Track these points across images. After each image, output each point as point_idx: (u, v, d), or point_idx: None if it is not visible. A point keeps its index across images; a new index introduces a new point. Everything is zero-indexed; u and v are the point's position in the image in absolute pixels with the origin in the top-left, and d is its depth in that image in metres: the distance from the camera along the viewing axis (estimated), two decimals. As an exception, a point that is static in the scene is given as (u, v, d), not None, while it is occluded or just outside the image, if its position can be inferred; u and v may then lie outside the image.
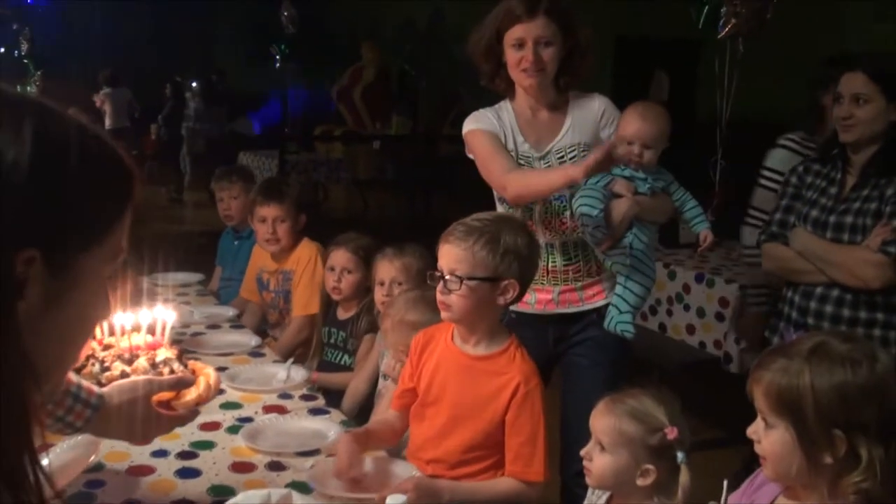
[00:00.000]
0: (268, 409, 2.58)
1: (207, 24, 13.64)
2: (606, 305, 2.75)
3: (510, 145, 2.82)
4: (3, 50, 13.91)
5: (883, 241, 2.61)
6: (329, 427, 2.42)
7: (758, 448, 1.59)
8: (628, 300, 2.69)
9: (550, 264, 2.73)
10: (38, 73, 12.69)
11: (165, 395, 1.80)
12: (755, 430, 1.59)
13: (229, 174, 4.27)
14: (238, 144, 11.29)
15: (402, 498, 1.56)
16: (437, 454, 2.20)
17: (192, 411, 1.86)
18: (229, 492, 1.98)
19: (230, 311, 3.64)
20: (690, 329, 4.59)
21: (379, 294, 2.97)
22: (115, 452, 2.19)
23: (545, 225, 2.76)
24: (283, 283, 3.73)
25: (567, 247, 2.78)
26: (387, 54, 12.61)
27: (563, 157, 2.79)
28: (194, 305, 3.69)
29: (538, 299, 2.77)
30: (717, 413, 4.66)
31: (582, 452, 1.90)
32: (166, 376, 1.82)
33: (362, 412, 2.87)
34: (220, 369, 2.45)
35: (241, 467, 2.17)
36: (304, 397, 2.71)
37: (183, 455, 2.22)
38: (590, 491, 1.99)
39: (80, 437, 2.07)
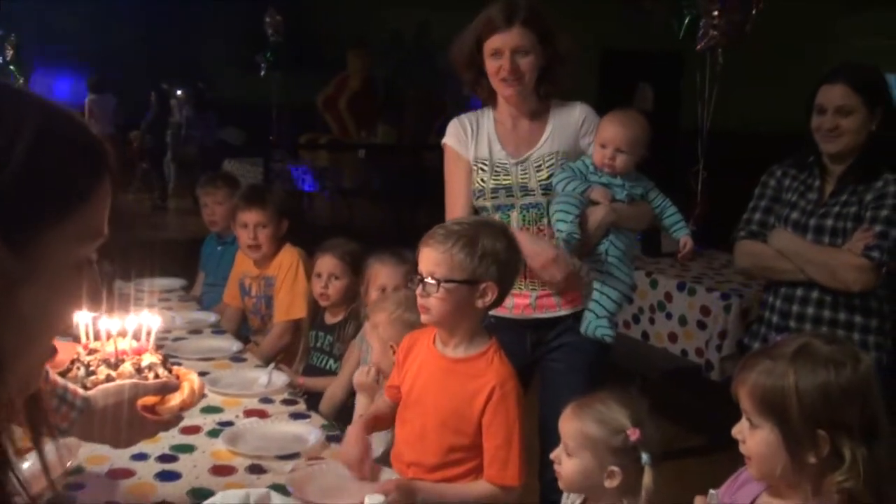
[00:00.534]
0: (249, 412, 2.59)
1: (194, 32, 13.60)
2: (583, 311, 2.78)
3: (484, 153, 2.86)
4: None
5: (866, 245, 2.65)
6: (309, 431, 2.43)
7: (742, 448, 1.61)
8: (605, 305, 2.72)
9: (528, 269, 2.75)
10: (21, 80, 12.63)
11: (150, 400, 1.80)
12: (740, 430, 1.61)
13: (214, 180, 4.28)
14: (223, 153, 11.27)
15: (380, 498, 1.57)
16: (416, 457, 2.22)
17: (177, 416, 1.86)
18: (209, 494, 1.97)
19: (212, 317, 3.64)
20: (672, 337, 4.62)
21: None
22: (95, 456, 2.19)
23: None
24: (264, 289, 3.74)
25: None
26: (373, 64, 12.63)
27: (540, 165, 2.82)
28: (177, 311, 3.69)
29: (516, 304, 2.78)
30: (699, 420, 4.70)
31: (551, 456, 1.94)
32: (151, 381, 1.82)
33: (340, 416, 2.88)
34: (202, 374, 2.45)
35: (222, 470, 2.18)
36: (286, 402, 2.71)
37: (163, 458, 2.22)
38: (564, 495, 2.01)
39: (60, 441, 2.07)
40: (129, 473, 2.14)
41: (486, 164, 2.86)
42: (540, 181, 2.80)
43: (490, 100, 2.91)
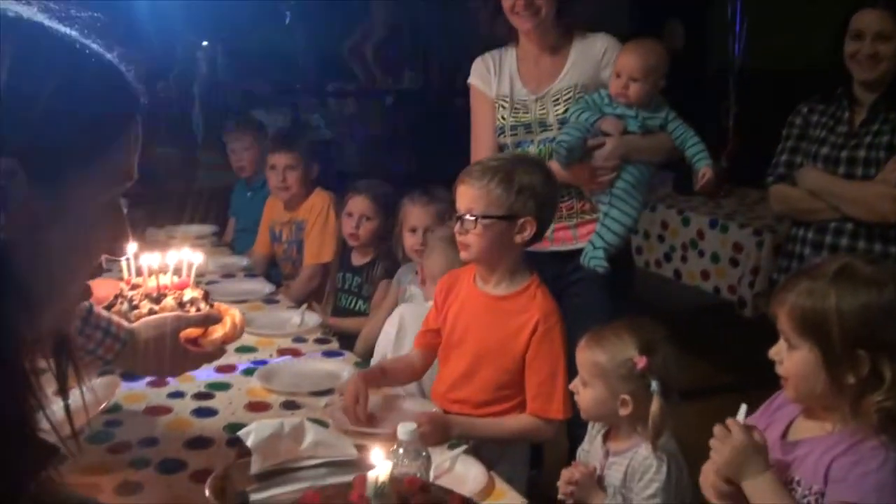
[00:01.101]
0: (282, 351, 2.62)
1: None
2: None
3: (505, 90, 2.86)
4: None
5: None
6: (342, 368, 2.46)
7: (779, 369, 1.60)
8: (604, 237, 2.70)
9: None
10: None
11: (193, 333, 1.82)
12: (777, 351, 1.60)
13: (240, 126, 4.30)
14: (251, 103, 11.25)
15: (412, 425, 1.58)
16: (462, 395, 2.23)
17: (219, 349, 1.88)
18: (245, 429, 2.01)
19: (244, 261, 3.69)
20: (705, 275, 4.60)
21: (411, 241, 2.97)
22: (133, 394, 2.24)
23: None
24: (295, 233, 3.76)
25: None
26: (398, 9, 12.49)
27: (558, 99, 2.80)
28: (209, 256, 3.71)
29: None
30: (732, 357, 4.68)
31: (570, 387, 1.96)
32: (194, 313, 1.84)
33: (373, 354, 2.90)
34: (236, 315, 2.48)
35: (257, 406, 2.21)
36: (318, 340, 2.74)
37: (199, 396, 2.26)
38: (589, 425, 2.02)
39: (97, 381, 2.11)
40: (166, 410, 2.18)
41: (506, 102, 2.86)
42: (557, 116, 2.79)
43: (511, 37, 2.88)
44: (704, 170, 2.77)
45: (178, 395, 2.26)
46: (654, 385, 1.80)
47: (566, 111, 2.77)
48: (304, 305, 3.00)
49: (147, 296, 1.88)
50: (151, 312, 1.83)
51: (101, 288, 1.94)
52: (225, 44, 12.41)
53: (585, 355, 1.90)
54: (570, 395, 2.14)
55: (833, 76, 2.83)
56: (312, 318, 2.89)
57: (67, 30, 0.94)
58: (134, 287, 1.92)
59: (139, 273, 1.97)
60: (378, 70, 12.69)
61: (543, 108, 2.81)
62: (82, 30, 0.95)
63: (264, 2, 12.57)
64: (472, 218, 2.11)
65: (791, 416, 1.66)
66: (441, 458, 1.89)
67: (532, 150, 2.81)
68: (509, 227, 2.13)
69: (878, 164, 2.67)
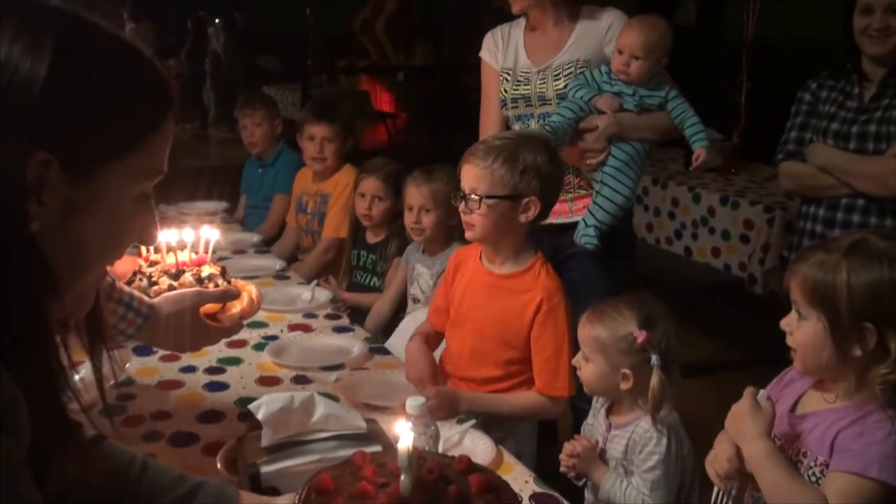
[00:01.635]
0: (293, 327, 2.65)
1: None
2: None
3: (510, 63, 2.87)
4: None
5: None
6: (353, 343, 2.48)
7: (789, 340, 1.61)
8: (595, 215, 2.69)
9: None
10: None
11: (212, 308, 1.84)
12: (789, 322, 1.61)
13: (252, 102, 4.29)
14: (262, 80, 11.26)
15: (420, 399, 1.60)
16: (470, 372, 2.25)
17: (237, 324, 1.90)
18: (256, 403, 2.04)
19: (255, 237, 3.71)
20: (715, 252, 4.59)
21: (408, 219, 2.99)
22: (145, 368, 2.27)
23: None
24: (319, 206, 3.77)
25: None
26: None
27: (559, 74, 2.79)
28: (220, 232, 3.74)
29: None
30: (742, 334, 4.69)
31: (573, 362, 1.98)
32: (213, 289, 1.86)
33: (385, 331, 2.93)
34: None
35: (268, 381, 2.24)
36: (329, 316, 2.76)
37: (211, 370, 2.29)
38: (594, 400, 2.04)
39: (112, 352, 2.14)
40: (178, 384, 2.20)
41: (509, 74, 2.86)
42: (557, 90, 2.78)
43: (519, 7, 2.86)
44: (699, 151, 2.74)
45: (190, 369, 2.28)
46: (654, 359, 1.82)
47: (565, 86, 2.76)
48: (315, 282, 3.02)
49: (166, 272, 1.90)
50: (171, 288, 1.85)
51: (120, 264, 1.95)
52: (236, 21, 12.41)
53: (586, 331, 1.92)
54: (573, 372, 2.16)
55: (845, 51, 2.81)
56: (323, 294, 2.91)
57: (105, 24, 0.96)
58: (152, 264, 1.95)
59: (157, 250, 1.99)
60: (389, 46, 12.68)
61: (544, 82, 2.80)
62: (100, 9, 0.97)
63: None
64: (477, 198, 2.12)
65: (800, 392, 1.67)
66: (450, 432, 1.91)
67: (532, 123, 2.81)
68: (513, 206, 2.13)
69: (888, 139, 2.65)
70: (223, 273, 1.94)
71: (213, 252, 2.07)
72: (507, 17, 2.99)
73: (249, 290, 1.92)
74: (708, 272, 4.63)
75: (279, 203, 4.09)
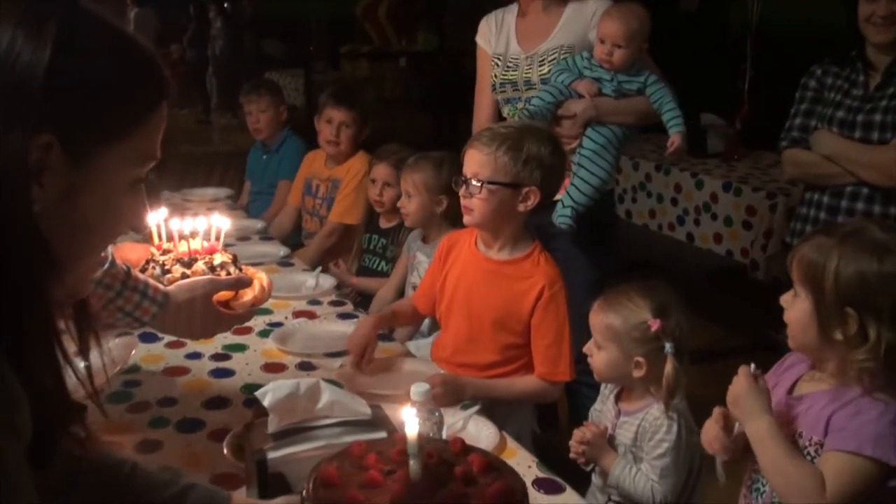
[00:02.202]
0: (297, 314, 2.66)
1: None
2: None
3: (501, 48, 2.97)
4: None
5: None
6: (357, 330, 2.48)
7: (785, 316, 1.64)
8: (572, 196, 2.74)
9: None
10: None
11: (224, 296, 1.85)
12: (787, 298, 1.64)
13: (258, 88, 4.29)
14: (265, 65, 11.23)
15: (425, 386, 1.60)
16: (468, 358, 2.26)
17: (249, 311, 1.91)
18: (262, 389, 2.05)
19: (259, 224, 3.72)
20: (717, 238, 4.60)
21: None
22: (151, 355, 2.28)
23: None
24: (331, 191, 3.79)
25: None
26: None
27: (544, 60, 2.87)
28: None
29: None
30: (744, 320, 4.69)
31: (584, 349, 1.99)
32: (226, 277, 1.88)
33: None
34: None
35: (273, 368, 2.24)
36: (333, 303, 2.77)
37: (216, 357, 2.30)
38: (602, 386, 2.05)
39: (114, 342, 2.15)
40: (184, 371, 2.22)
41: (500, 60, 2.95)
42: (541, 75, 2.86)
43: None
44: (674, 137, 2.82)
45: (195, 355, 2.30)
46: (668, 347, 1.83)
47: (549, 71, 2.84)
48: (319, 268, 3.03)
49: (178, 260, 1.91)
50: (184, 276, 1.86)
51: (133, 252, 1.98)
52: (243, 6, 12.37)
53: (599, 319, 1.92)
54: (574, 357, 2.17)
55: (849, 39, 2.79)
56: (328, 281, 2.92)
57: (103, 11, 0.98)
58: (165, 252, 1.96)
59: (169, 238, 2.00)
60: (392, 31, 12.65)
61: (530, 67, 2.89)
62: None
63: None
64: (478, 183, 2.13)
65: (798, 375, 1.70)
66: (454, 418, 1.92)
67: (520, 106, 2.90)
68: (513, 194, 2.14)
69: (894, 129, 2.63)
70: (235, 261, 1.95)
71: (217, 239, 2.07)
72: (507, 2, 3.05)
73: (260, 277, 1.93)
74: (710, 258, 4.64)
75: (284, 189, 4.09)
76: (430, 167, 2.91)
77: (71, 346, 1.08)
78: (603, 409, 2.03)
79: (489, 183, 2.12)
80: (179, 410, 1.99)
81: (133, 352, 2.19)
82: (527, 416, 2.27)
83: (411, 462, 1.21)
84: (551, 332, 2.17)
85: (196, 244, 1.96)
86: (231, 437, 1.78)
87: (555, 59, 2.86)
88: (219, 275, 1.87)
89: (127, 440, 1.83)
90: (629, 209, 5.25)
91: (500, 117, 3.04)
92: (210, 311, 1.82)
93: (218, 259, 1.91)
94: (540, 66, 2.88)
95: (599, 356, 1.93)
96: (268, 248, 3.37)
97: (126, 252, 1.92)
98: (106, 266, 1.65)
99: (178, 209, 3.30)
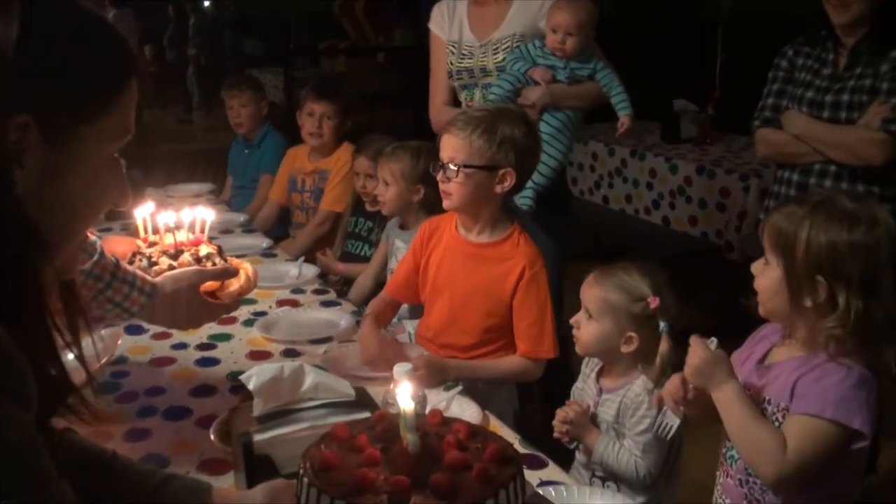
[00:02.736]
0: (281, 303, 2.66)
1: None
2: None
3: (455, 36, 3.04)
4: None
5: (883, 118, 2.57)
6: (340, 317, 2.49)
7: (755, 283, 1.65)
8: (532, 178, 2.72)
9: None
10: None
11: (211, 286, 1.85)
12: (757, 266, 1.66)
13: (238, 83, 4.29)
14: (245, 63, 11.17)
15: (408, 366, 1.61)
16: (448, 339, 2.27)
17: (236, 301, 1.92)
18: (247, 376, 2.04)
19: (241, 217, 3.72)
20: (692, 220, 4.63)
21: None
22: (137, 346, 2.28)
23: None
24: (318, 182, 3.80)
25: None
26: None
27: (497, 48, 2.96)
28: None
29: None
30: (719, 300, 4.71)
31: (571, 321, 1.99)
32: (212, 267, 1.88)
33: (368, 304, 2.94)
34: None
35: (258, 355, 2.24)
36: (317, 291, 2.78)
37: (202, 347, 2.30)
38: (584, 361, 2.06)
39: (101, 332, 2.14)
40: (170, 361, 2.21)
41: (455, 47, 3.03)
42: (496, 63, 2.95)
43: None
44: (623, 119, 2.95)
45: (181, 346, 2.29)
46: (663, 325, 1.84)
47: (504, 59, 2.94)
48: (301, 258, 3.03)
49: (165, 252, 1.90)
50: (171, 268, 1.86)
51: (119, 245, 1.97)
52: (219, 5, 12.29)
53: (595, 292, 1.92)
54: (556, 334, 2.19)
55: (818, 21, 2.80)
56: (310, 270, 2.93)
57: None
58: (151, 244, 1.95)
59: (155, 231, 2.00)
60: (369, 27, 12.60)
61: (485, 55, 2.98)
62: None
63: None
64: (455, 167, 2.13)
65: (769, 346, 1.71)
66: (438, 398, 1.93)
67: (477, 92, 3.00)
68: (490, 176, 2.14)
69: (861, 108, 2.64)
70: (220, 252, 1.95)
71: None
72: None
73: (245, 267, 1.94)
74: (686, 240, 4.66)
75: (266, 183, 4.09)
76: (407, 157, 2.92)
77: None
78: (584, 387, 2.04)
79: (465, 166, 2.12)
80: (167, 399, 1.99)
81: (119, 342, 2.18)
82: (509, 396, 2.28)
83: (409, 436, 1.22)
84: (533, 311, 2.18)
85: (181, 236, 1.95)
86: (218, 423, 1.78)
87: (508, 47, 2.94)
88: (205, 266, 1.87)
89: (115, 430, 1.82)
90: (606, 195, 5.27)
91: (456, 102, 3.12)
92: (197, 300, 1.82)
93: (204, 250, 1.91)
94: (494, 53, 2.96)
95: (589, 328, 1.93)
96: (251, 240, 3.38)
97: (113, 245, 1.91)
98: (95, 258, 1.65)
99: (162, 204, 3.28)
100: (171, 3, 12.25)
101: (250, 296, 2.60)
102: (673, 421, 1.76)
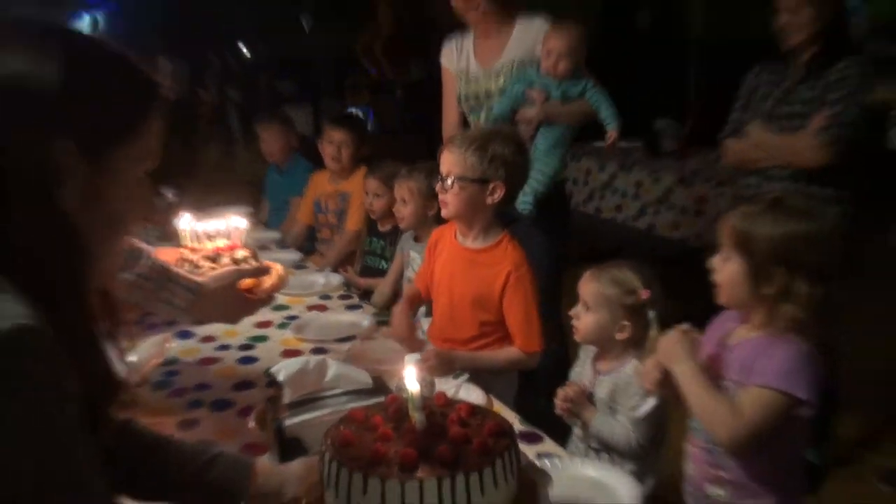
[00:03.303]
0: (311, 308, 2.69)
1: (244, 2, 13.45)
2: None
3: (463, 66, 3.09)
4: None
5: (821, 126, 2.63)
6: (362, 318, 2.53)
7: (715, 276, 1.67)
8: (531, 185, 2.85)
9: None
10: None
11: (247, 284, 1.89)
12: (717, 261, 1.67)
13: (270, 118, 4.34)
14: (279, 101, 11.24)
15: (416, 355, 1.65)
16: (449, 334, 2.30)
17: (270, 296, 1.96)
18: (282, 372, 2.08)
19: (276, 235, 3.78)
20: (675, 226, 4.62)
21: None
22: (187, 349, 2.32)
23: None
24: (340, 204, 3.82)
25: None
26: (400, 10, 12.41)
27: (499, 73, 3.00)
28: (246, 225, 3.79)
29: None
30: (700, 297, 4.71)
31: (570, 313, 2.01)
32: (248, 267, 1.91)
33: (388, 307, 2.97)
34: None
35: (291, 353, 2.27)
36: (342, 297, 2.81)
37: (242, 347, 2.34)
38: (581, 349, 2.08)
39: (152, 339, 2.19)
40: (215, 360, 2.26)
41: (463, 75, 3.08)
42: (499, 87, 2.99)
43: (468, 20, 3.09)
44: (610, 132, 2.96)
45: (224, 347, 2.34)
46: (652, 315, 1.86)
47: (505, 82, 2.98)
48: (328, 268, 3.08)
49: (206, 257, 1.94)
50: (213, 270, 1.90)
51: (168, 255, 2.02)
52: (254, 53, 12.39)
53: (592, 286, 1.95)
54: (543, 329, 2.21)
55: (778, 44, 2.85)
56: (336, 279, 2.97)
57: (95, 35, 1.02)
58: (194, 251, 2.00)
59: (197, 239, 2.04)
60: (387, 65, 12.65)
61: (489, 80, 3.02)
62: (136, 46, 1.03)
63: (286, 10, 12.54)
64: (451, 180, 2.17)
65: (732, 328, 1.72)
66: (447, 385, 1.95)
67: (482, 114, 3.03)
68: (481, 189, 2.17)
69: (808, 118, 2.69)
70: (254, 255, 1.99)
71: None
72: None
73: (277, 267, 1.97)
74: (670, 244, 4.66)
75: (296, 205, 4.12)
76: (422, 176, 2.94)
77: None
78: (582, 370, 2.06)
79: (459, 179, 2.16)
80: (213, 393, 2.03)
81: (169, 346, 2.23)
82: (509, 384, 2.30)
83: (416, 414, 1.24)
84: (520, 310, 2.20)
85: (220, 243, 2.00)
86: (256, 412, 1.81)
87: (509, 71, 2.98)
88: (241, 266, 1.91)
89: (169, 420, 1.86)
90: (598, 206, 5.27)
91: (465, 124, 3.16)
92: (237, 296, 1.86)
93: (240, 253, 1.96)
94: (497, 78, 3.01)
95: (587, 319, 1.96)
96: (284, 254, 3.40)
97: (162, 255, 1.96)
98: (149, 262, 1.71)
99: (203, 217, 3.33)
100: (214, 52, 12.36)
101: (283, 302, 2.67)
102: (648, 403, 1.80)
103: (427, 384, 1.66)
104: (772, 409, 1.54)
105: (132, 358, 2.00)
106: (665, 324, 1.80)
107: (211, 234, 2.01)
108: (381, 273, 3.36)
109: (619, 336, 1.92)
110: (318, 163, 4.11)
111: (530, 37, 2.98)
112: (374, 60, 12.49)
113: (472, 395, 1.93)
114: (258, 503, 1.33)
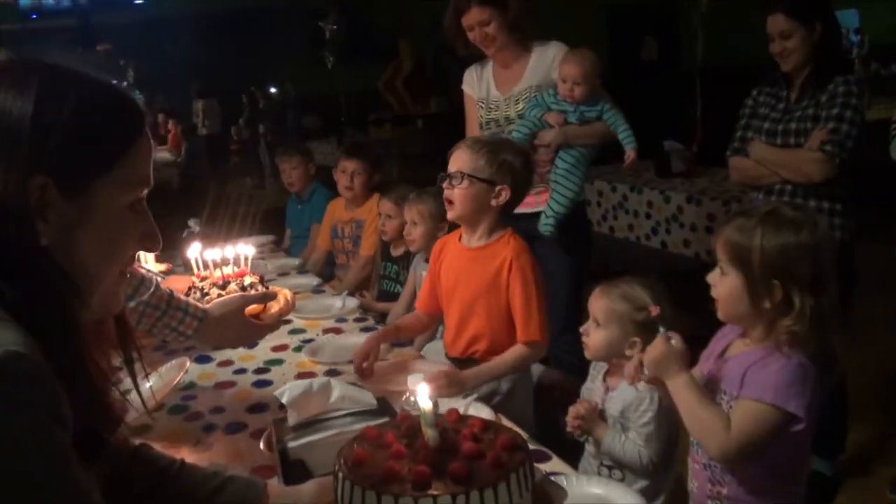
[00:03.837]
0: (327, 331, 2.63)
1: (272, 42, 13.61)
2: None
3: (484, 93, 3.06)
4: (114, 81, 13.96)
5: (821, 141, 2.60)
6: (376, 340, 2.44)
7: (713, 292, 1.59)
8: (553, 207, 2.83)
9: None
10: (143, 96, 12.77)
11: (254, 309, 1.84)
12: (714, 276, 1.59)
13: (289, 151, 4.33)
14: (305, 136, 11.33)
15: (420, 376, 1.57)
16: (465, 335, 2.23)
17: (277, 321, 1.91)
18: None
19: (296, 261, 3.74)
20: (686, 243, 4.54)
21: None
22: (205, 373, 2.27)
23: None
24: (355, 230, 3.78)
25: None
26: (421, 46, 12.50)
27: (518, 99, 2.97)
28: (268, 259, 3.77)
29: None
30: (713, 313, 4.60)
31: (581, 329, 1.94)
32: (254, 293, 1.87)
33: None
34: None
35: (305, 376, 2.18)
36: (357, 319, 2.75)
37: (258, 371, 2.28)
38: (592, 365, 2.00)
39: (171, 363, 2.14)
40: (231, 384, 2.19)
41: (483, 103, 3.04)
42: (517, 112, 2.96)
43: (483, 51, 3.05)
44: (628, 153, 2.90)
45: (241, 370, 2.28)
46: (662, 331, 1.78)
47: (523, 108, 2.94)
48: (346, 292, 3.02)
49: (214, 284, 1.91)
50: (220, 297, 1.85)
51: (177, 283, 1.98)
52: (282, 90, 12.52)
53: (602, 302, 1.88)
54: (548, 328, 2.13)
55: (775, 67, 2.83)
56: (352, 302, 2.90)
57: (79, 67, 0.97)
58: (203, 279, 1.95)
59: (206, 267, 2.00)
60: (409, 99, 12.72)
61: (508, 107, 2.99)
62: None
63: (310, 53, 12.68)
64: (460, 175, 2.12)
65: (729, 341, 1.65)
66: (456, 404, 1.87)
67: (504, 134, 2.96)
68: (488, 189, 2.12)
69: (805, 134, 2.67)
70: (262, 280, 1.95)
71: (263, 275, 2.07)
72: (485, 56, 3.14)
73: (285, 292, 1.93)
74: (682, 261, 4.58)
75: (316, 232, 4.09)
76: (431, 199, 2.89)
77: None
78: (592, 386, 1.99)
79: (469, 176, 2.11)
80: (227, 416, 1.97)
81: (186, 369, 2.18)
82: (524, 401, 2.22)
83: (429, 430, 1.19)
84: (521, 295, 2.11)
85: (228, 270, 1.95)
86: (266, 435, 1.75)
87: (527, 97, 2.94)
88: (249, 293, 1.86)
89: (184, 444, 1.81)
90: (612, 225, 5.20)
91: None
92: (243, 322, 1.82)
93: (248, 280, 1.92)
94: (516, 104, 2.97)
95: (597, 335, 1.88)
96: (304, 280, 3.37)
97: (173, 283, 1.93)
98: (152, 289, 1.66)
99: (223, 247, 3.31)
100: (244, 93, 12.52)
101: (299, 325, 2.62)
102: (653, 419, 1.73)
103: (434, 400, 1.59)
104: (762, 422, 1.46)
105: (150, 383, 1.95)
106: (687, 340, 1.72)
107: (218, 262, 1.97)
108: (397, 297, 3.30)
109: (629, 352, 1.84)
110: (339, 192, 4.08)
111: (546, 62, 2.97)
112: (396, 94, 12.60)
113: (482, 413, 1.85)
114: None
